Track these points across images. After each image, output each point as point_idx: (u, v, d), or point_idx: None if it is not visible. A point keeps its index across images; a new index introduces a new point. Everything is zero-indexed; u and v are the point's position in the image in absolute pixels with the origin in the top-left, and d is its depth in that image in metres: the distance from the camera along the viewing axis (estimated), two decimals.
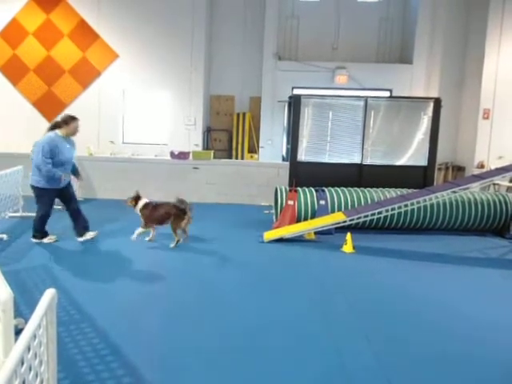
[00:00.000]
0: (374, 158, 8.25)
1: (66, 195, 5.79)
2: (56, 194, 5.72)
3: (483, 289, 4.75)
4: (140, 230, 5.91)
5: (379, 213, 6.38)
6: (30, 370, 1.79)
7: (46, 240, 5.81)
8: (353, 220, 6.34)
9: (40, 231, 5.80)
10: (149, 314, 3.78)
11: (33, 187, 5.63)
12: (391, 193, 7.17)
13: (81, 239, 5.82)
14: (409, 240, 6.67)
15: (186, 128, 11.69)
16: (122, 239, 6.09)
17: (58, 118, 5.70)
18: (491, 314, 4.00)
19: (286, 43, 12.18)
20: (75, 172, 6.02)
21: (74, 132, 5.73)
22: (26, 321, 1.91)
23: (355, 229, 6.66)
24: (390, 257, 5.77)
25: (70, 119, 5.65)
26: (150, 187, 9.35)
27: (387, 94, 11.55)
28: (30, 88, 11.72)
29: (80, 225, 5.84)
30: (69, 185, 5.83)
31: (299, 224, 6.67)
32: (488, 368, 3.07)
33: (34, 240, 5.78)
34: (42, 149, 5.41)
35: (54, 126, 5.65)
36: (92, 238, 5.88)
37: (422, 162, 8.17)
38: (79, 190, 9.33)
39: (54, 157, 5.45)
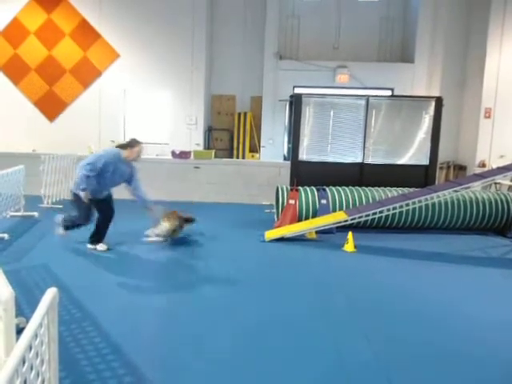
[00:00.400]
0: (376, 157, 8.24)
1: (101, 206, 5.53)
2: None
3: (484, 288, 4.74)
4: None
5: (381, 212, 6.38)
6: (32, 369, 1.79)
7: (99, 247, 5.56)
8: (354, 219, 6.34)
9: (100, 237, 5.59)
10: (150, 314, 3.78)
11: (74, 194, 5.42)
12: (393, 192, 7.17)
13: (90, 246, 5.58)
14: (410, 239, 6.67)
15: (188, 127, 11.70)
16: (122, 239, 6.10)
17: (124, 141, 5.66)
18: (492, 314, 3.99)
19: (287, 42, 12.17)
20: (146, 204, 5.69)
21: (137, 157, 5.54)
22: (28, 320, 1.91)
23: (356, 228, 6.65)
24: (391, 256, 5.77)
25: (135, 142, 5.53)
26: (151, 187, 9.33)
27: (389, 93, 11.54)
28: (32, 87, 11.73)
29: (98, 236, 5.60)
30: (109, 197, 5.66)
31: (300, 223, 6.66)
32: (488, 368, 3.06)
33: (90, 246, 5.57)
34: (95, 158, 5.25)
35: (121, 146, 5.56)
36: (102, 251, 5.52)
37: (424, 161, 8.16)
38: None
39: (104, 170, 5.24)
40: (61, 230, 5.65)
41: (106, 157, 5.29)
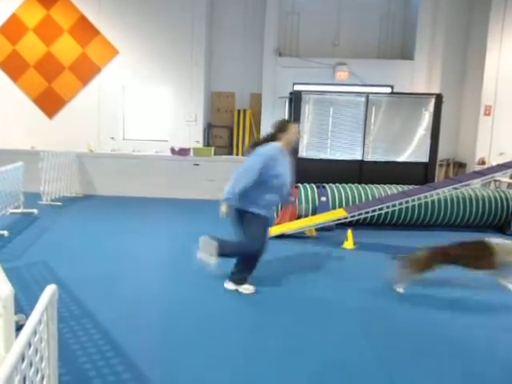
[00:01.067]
0: (375, 154, 8.24)
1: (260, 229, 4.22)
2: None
3: (483, 286, 4.73)
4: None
5: (380, 209, 6.37)
6: (31, 365, 1.79)
7: (243, 289, 4.22)
8: (354, 216, 6.34)
9: (246, 274, 4.24)
10: (150, 311, 3.78)
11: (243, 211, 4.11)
12: (392, 189, 7.16)
13: (230, 286, 4.28)
14: (410, 236, 6.67)
15: (187, 124, 11.67)
16: (124, 236, 6.10)
17: (271, 128, 4.27)
18: (491, 313, 4.00)
19: (287, 39, 12.13)
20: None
21: (295, 140, 4.29)
22: (27, 317, 1.91)
23: (356, 225, 6.65)
24: (391, 253, 5.75)
25: (286, 124, 4.23)
26: (151, 184, 9.36)
27: (388, 90, 11.52)
28: (30, 84, 11.69)
29: (245, 272, 4.27)
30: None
31: (300, 220, 6.66)
32: (488, 367, 3.06)
33: (228, 286, 4.27)
34: (255, 159, 4.01)
35: (269, 139, 4.17)
36: (248, 294, 4.21)
37: (423, 158, 8.16)
38: (79, 186, 9.36)
39: (267, 176, 3.98)
40: (212, 258, 4.19)
41: (264, 156, 3.99)
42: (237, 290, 4.23)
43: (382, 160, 8.18)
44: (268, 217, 4.18)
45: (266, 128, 11.87)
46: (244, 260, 4.23)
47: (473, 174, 6.59)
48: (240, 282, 4.25)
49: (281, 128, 4.19)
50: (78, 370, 2.79)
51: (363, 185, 7.37)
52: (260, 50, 11.72)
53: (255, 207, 4.06)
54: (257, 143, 4.22)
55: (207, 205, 8.68)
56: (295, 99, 8.29)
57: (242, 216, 4.16)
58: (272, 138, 4.18)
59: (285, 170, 4.09)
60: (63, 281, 4.25)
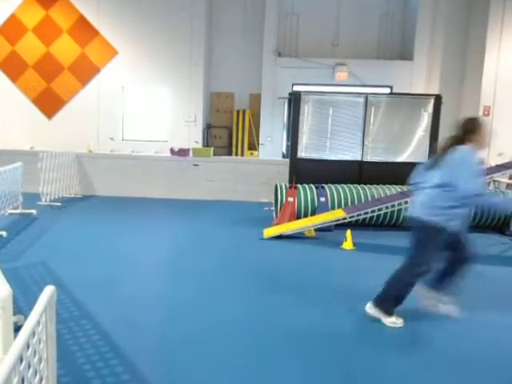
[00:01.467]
0: (375, 154, 8.24)
1: (455, 242, 3.78)
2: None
3: (482, 286, 4.74)
4: None
5: (379, 210, 6.38)
6: (29, 367, 1.78)
7: (388, 321, 3.59)
8: (353, 217, 6.34)
9: (397, 299, 3.62)
10: (149, 312, 3.78)
11: (423, 223, 3.65)
12: (391, 190, 7.17)
13: (374, 312, 3.64)
14: (408, 237, 6.65)
15: (186, 125, 11.67)
16: (124, 236, 6.09)
17: (459, 130, 3.52)
18: (490, 313, 4.00)
19: (286, 40, 12.14)
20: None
21: (486, 143, 3.62)
22: (26, 318, 1.90)
23: (355, 226, 6.65)
24: (390, 254, 5.75)
25: (478, 123, 3.51)
26: (150, 184, 9.36)
27: (387, 90, 11.52)
28: (29, 85, 11.69)
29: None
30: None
31: (299, 221, 6.66)
32: (488, 368, 3.06)
33: (375, 311, 3.64)
34: (470, 165, 3.36)
35: (456, 142, 3.47)
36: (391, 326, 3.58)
37: (423, 158, 8.15)
38: (78, 187, 9.36)
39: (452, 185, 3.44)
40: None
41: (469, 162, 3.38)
42: (380, 319, 3.60)
43: (382, 160, 8.19)
44: (452, 231, 3.59)
45: (266, 128, 11.90)
46: (398, 282, 3.64)
47: None
48: (387, 311, 3.60)
49: (471, 129, 3.46)
50: (77, 371, 2.78)
51: (362, 185, 7.37)
52: (259, 50, 11.73)
53: (440, 218, 3.51)
54: (447, 147, 3.50)
55: (207, 205, 8.70)
56: (294, 100, 8.28)
57: (420, 229, 3.69)
58: (459, 140, 3.46)
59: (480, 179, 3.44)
60: (62, 282, 4.24)
